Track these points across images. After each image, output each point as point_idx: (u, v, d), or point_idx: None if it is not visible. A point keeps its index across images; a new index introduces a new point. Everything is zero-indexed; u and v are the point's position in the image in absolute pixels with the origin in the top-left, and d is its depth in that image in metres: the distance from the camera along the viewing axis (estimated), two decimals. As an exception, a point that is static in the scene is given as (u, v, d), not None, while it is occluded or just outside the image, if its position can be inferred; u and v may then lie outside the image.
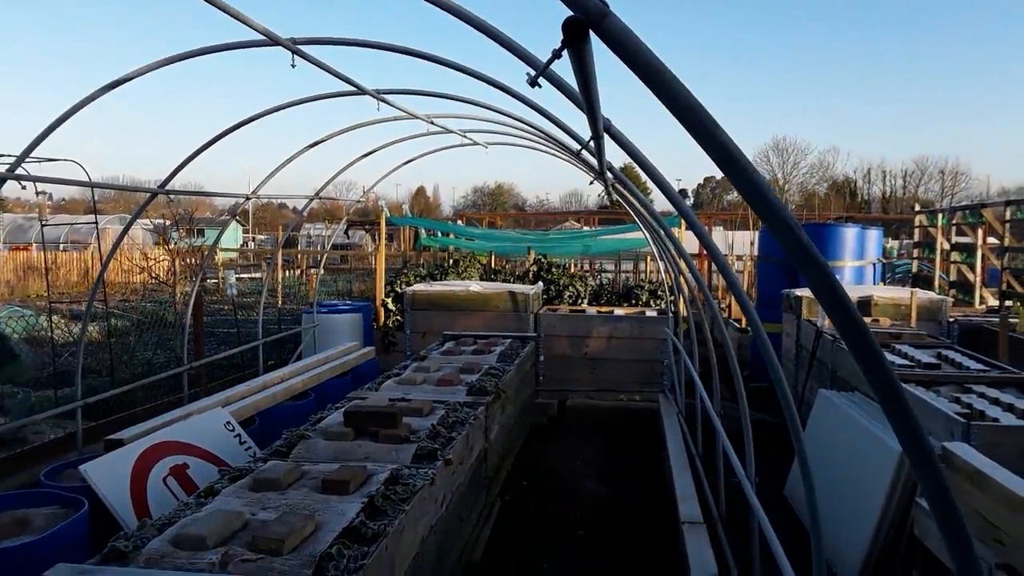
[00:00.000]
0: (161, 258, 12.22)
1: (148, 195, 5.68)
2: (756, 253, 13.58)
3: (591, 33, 0.90)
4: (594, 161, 2.99)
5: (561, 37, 0.98)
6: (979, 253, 13.90)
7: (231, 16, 3.46)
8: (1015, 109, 70.96)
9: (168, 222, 15.70)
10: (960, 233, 15.94)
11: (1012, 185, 53.65)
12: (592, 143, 2.47)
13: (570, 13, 0.91)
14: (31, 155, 4.87)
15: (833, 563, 4.80)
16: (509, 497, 5.88)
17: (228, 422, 4.99)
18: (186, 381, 6.79)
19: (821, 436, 5.74)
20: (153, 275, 11.44)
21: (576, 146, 3.72)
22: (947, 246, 15.68)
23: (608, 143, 2.77)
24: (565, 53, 1.13)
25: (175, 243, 13.66)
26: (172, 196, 5.87)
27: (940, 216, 16.05)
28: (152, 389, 7.67)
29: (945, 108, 73.30)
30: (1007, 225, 12.92)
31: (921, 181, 55.91)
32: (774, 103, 79.00)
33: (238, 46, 3.99)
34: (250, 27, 3.45)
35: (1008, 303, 12.62)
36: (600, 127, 1.94)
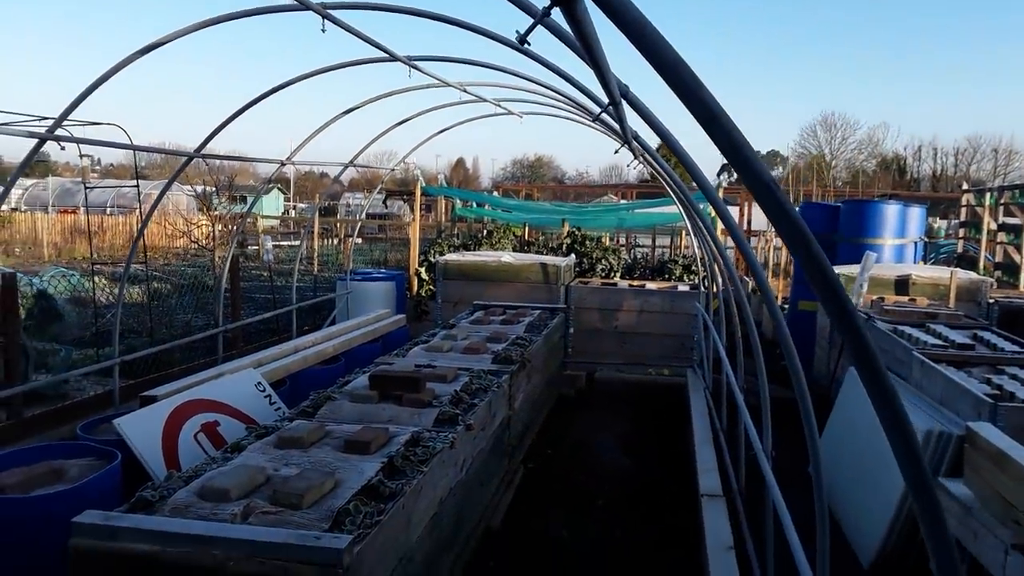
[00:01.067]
0: (202, 223, 12.46)
1: (185, 159, 5.79)
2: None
3: None
4: (617, 126, 2.97)
5: None
6: (1027, 234, 13.50)
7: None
8: (1077, 86, 68.18)
9: (210, 188, 15.99)
10: (1008, 213, 15.49)
11: (1070, 165, 51.74)
12: (611, 108, 2.45)
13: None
14: (74, 118, 5.00)
15: (854, 543, 4.78)
16: (533, 465, 5.95)
17: (259, 383, 5.12)
18: (221, 343, 6.96)
19: (848, 414, 5.68)
20: (194, 240, 11.68)
21: (596, 109, 3.70)
22: (994, 226, 15.25)
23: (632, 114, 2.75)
24: (556, 11, 1.13)
25: (216, 209, 13.91)
26: (208, 161, 5.97)
27: (988, 196, 15.59)
28: (189, 350, 7.88)
29: (1000, 84, 70.70)
30: (1058, 206, 12.51)
31: (973, 160, 54.19)
32: (823, 77, 76.97)
33: (270, 10, 4.03)
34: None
35: (1055, 286, 12.26)
36: (616, 93, 1.92)
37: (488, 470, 4.68)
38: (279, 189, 43.02)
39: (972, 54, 69.90)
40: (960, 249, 17.30)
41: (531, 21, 1.83)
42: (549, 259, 9.31)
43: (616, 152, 5.25)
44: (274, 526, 2.62)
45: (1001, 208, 15.43)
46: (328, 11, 3.81)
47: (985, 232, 15.26)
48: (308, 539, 2.48)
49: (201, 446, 4.27)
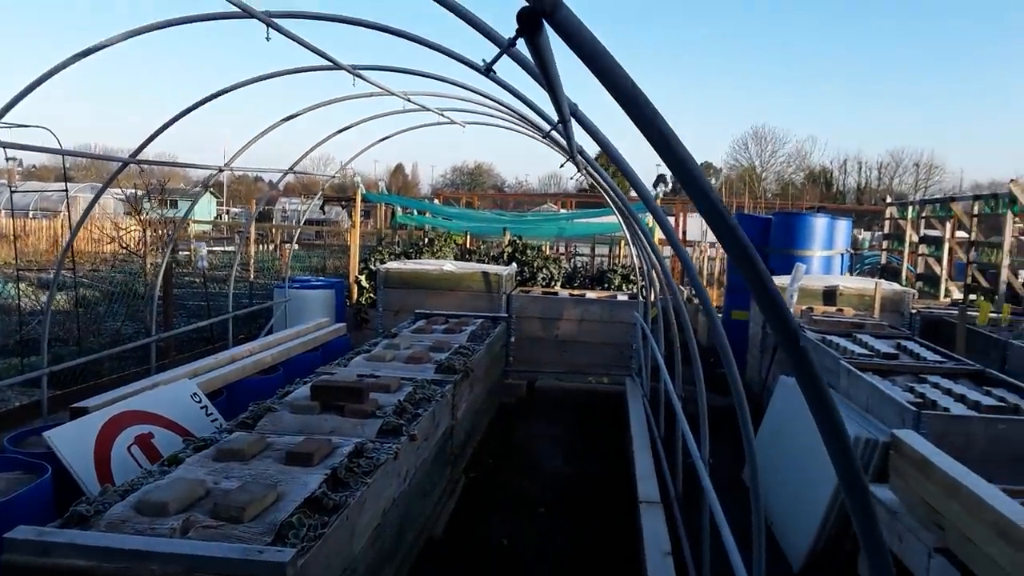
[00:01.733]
0: (132, 228, 12.09)
1: (119, 164, 5.63)
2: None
3: (545, 23, 0.95)
4: (564, 142, 3.03)
5: (516, 27, 1.02)
6: (946, 247, 14.18)
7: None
8: (988, 103, 72.01)
9: (140, 192, 15.51)
10: (929, 226, 16.26)
11: (985, 179, 54.40)
12: (560, 126, 2.52)
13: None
14: (1, 121, 4.82)
15: (784, 547, 4.95)
16: (475, 474, 5.97)
17: (195, 393, 5.00)
18: (154, 352, 6.78)
19: (779, 421, 5.89)
20: (123, 245, 11.32)
21: (547, 127, 3.77)
22: (916, 239, 15.97)
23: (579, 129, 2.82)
24: (520, 42, 1.17)
25: (147, 213, 13.50)
26: (143, 167, 5.82)
27: (911, 209, 16.32)
28: (120, 359, 7.65)
29: (922, 101, 74.14)
30: (975, 220, 13.19)
31: (896, 173, 56.59)
32: (755, 92, 79.35)
33: (213, 17, 3.97)
34: (225, -1, 3.44)
35: (972, 297, 12.90)
36: (566, 111, 1.98)
37: (431, 480, 4.68)
38: (212, 193, 42.00)
39: (896, 71, 73.11)
40: (884, 260, 18.05)
41: (492, 46, 1.89)
42: (491, 268, 9.36)
43: (562, 166, 5.33)
44: (215, 540, 2.58)
45: (923, 221, 16.16)
46: (273, 19, 3.78)
47: (907, 244, 15.96)
48: (250, 553, 2.45)
49: (135, 459, 4.16)
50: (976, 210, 13.19)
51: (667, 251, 14.07)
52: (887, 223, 18.10)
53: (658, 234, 9.39)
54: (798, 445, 5.37)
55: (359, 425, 4.03)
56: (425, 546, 4.50)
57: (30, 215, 29.28)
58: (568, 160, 3.93)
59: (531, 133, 6.74)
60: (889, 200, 19.80)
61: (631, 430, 6.26)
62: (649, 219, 9.31)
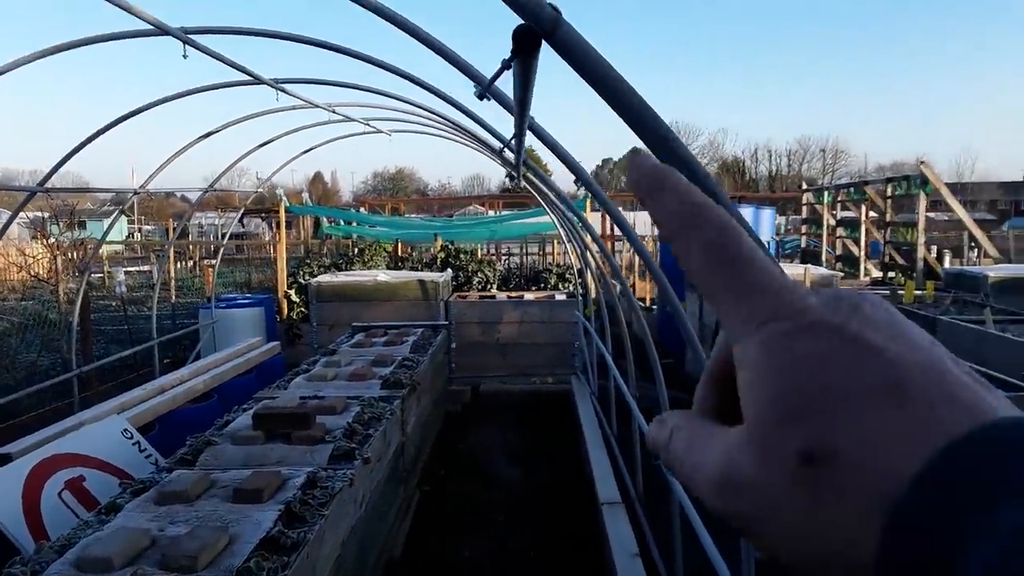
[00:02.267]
0: (40, 255, 11.41)
1: (27, 194, 5.26)
2: (657, 233, 13.94)
3: (542, 43, 0.86)
4: (512, 156, 2.96)
5: (511, 46, 0.92)
6: (863, 228, 14.75)
7: (117, 6, 3.21)
8: (887, 87, 75.59)
9: (47, 215, 14.67)
10: (844, 209, 16.89)
11: (887, 161, 57.26)
12: (514, 141, 2.43)
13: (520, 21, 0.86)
14: None
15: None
16: (428, 487, 5.83)
17: (126, 429, 4.70)
18: (76, 386, 6.37)
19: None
20: (32, 273, 10.67)
21: (497, 144, 3.68)
22: (833, 222, 16.56)
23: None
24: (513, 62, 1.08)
25: (55, 237, 12.78)
26: (52, 196, 5.45)
27: (826, 194, 16.91)
28: (38, 395, 7.18)
29: (826, 88, 77.24)
30: (888, 201, 13.76)
31: (804, 159, 58.80)
32: (665, 88, 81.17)
33: (126, 36, 3.71)
34: (137, 16, 3.21)
35: (891, 275, 13.44)
36: (525, 126, 1.90)
37: (386, 500, 4.53)
38: (123, 212, 40.30)
39: (802, 60, 75.97)
40: (803, 244, 18.66)
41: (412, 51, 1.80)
42: (427, 275, 9.21)
43: (511, 179, 5.25)
44: (168, 595, 2.39)
45: (838, 205, 16.77)
46: (190, 36, 3.56)
47: (825, 228, 16.53)
48: (211, 606, 2.28)
49: (68, 506, 3.87)
50: (889, 192, 13.75)
51: (619, 246, 14.17)
52: (804, 208, 18.72)
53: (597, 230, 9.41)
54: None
55: (308, 452, 3.85)
56: (386, 569, 4.36)
57: (-77, 245, 27.42)
58: (513, 170, 3.85)
59: (464, 140, 6.64)
60: (804, 187, 20.49)
61: (583, 430, 6.24)
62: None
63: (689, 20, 79.74)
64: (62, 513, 3.77)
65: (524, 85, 1.15)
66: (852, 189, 15.86)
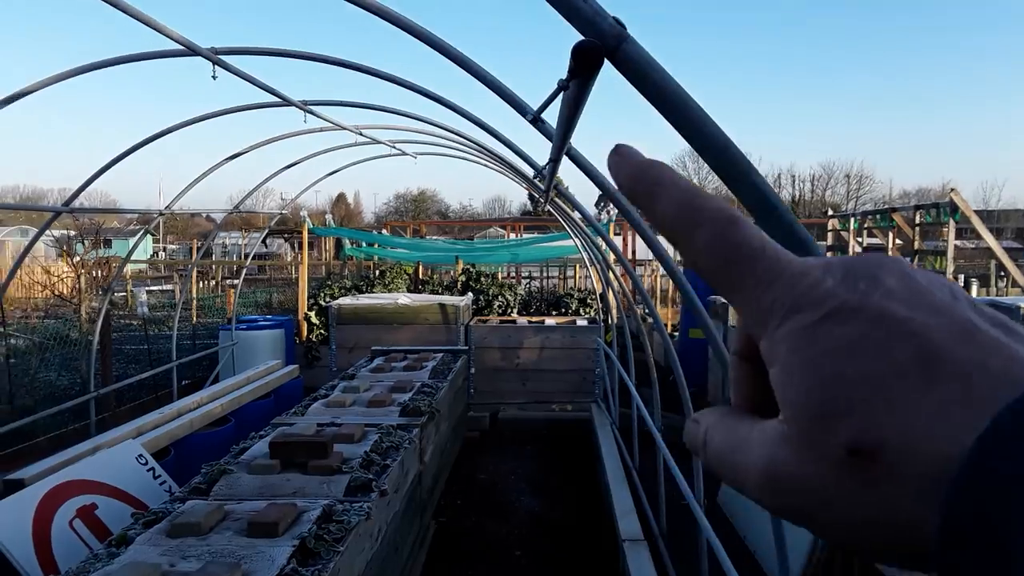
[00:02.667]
0: (65, 274, 11.48)
1: (52, 214, 5.26)
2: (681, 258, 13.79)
3: (604, 61, 0.77)
4: (547, 177, 2.87)
5: (569, 64, 0.82)
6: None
7: (148, 26, 3.18)
8: (914, 113, 75.11)
9: (72, 233, 14.81)
10: (871, 236, 16.62)
11: (912, 187, 56.69)
12: (549, 166, 2.35)
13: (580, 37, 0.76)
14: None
15: (770, 572, 4.82)
16: (444, 518, 5.70)
17: (140, 455, 4.63)
18: (93, 408, 6.33)
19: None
20: (56, 292, 10.72)
21: (528, 170, 3.60)
22: (859, 249, 16.31)
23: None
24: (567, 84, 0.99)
25: (80, 256, 12.88)
26: (77, 216, 5.45)
27: (852, 220, 16.68)
28: (56, 415, 7.15)
29: (851, 113, 76.89)
30: (917, 229, 13.50)
31: (828, 185, 58.35)
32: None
33: (155, 56, 3.70)
34: (168, 36, 3.18)
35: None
36: (564, 151, 1.81)
37: (402, 533, 4.41)
38: (147, 231, 40.78)
39: (825, 83, 75.75)
40: (829, 271, 18.36)
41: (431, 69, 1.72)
42: (447, 299, 9.13)
43: (538, 204, 5.16)
44: (176, 638, 2.29)
45: (864, 231, 16.53)
46: (219, 56, 3.53)
47: (851, 255, 16.27)
48: (219, 652, 2.17)
49: (79, 535, 3.79)
50: (917, 219, 13.50)
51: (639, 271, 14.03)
52: (830, 235, 18.47)
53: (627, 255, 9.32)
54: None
55: (325, 483, 3.75)
56: (400, 606, 4.22)
57: (-49, 261, 27.89)
58: (542, 195, 3.77)
59: (485, 162, 6.58)
60: (830, 212, 20.27)
61: (603, 461, 6.08)
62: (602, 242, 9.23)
63: (707, 40, 79.90)
64: (72, 543, 3.70)
65: (574, 109, 1.05)
66: (879, 216, 15.62)
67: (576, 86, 0.96)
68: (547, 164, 2.39)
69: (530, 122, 1.65)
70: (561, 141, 1.56)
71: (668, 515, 4.90)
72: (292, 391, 7.81)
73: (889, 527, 0.28)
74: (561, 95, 1.03)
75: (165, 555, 2.90)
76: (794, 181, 59.63)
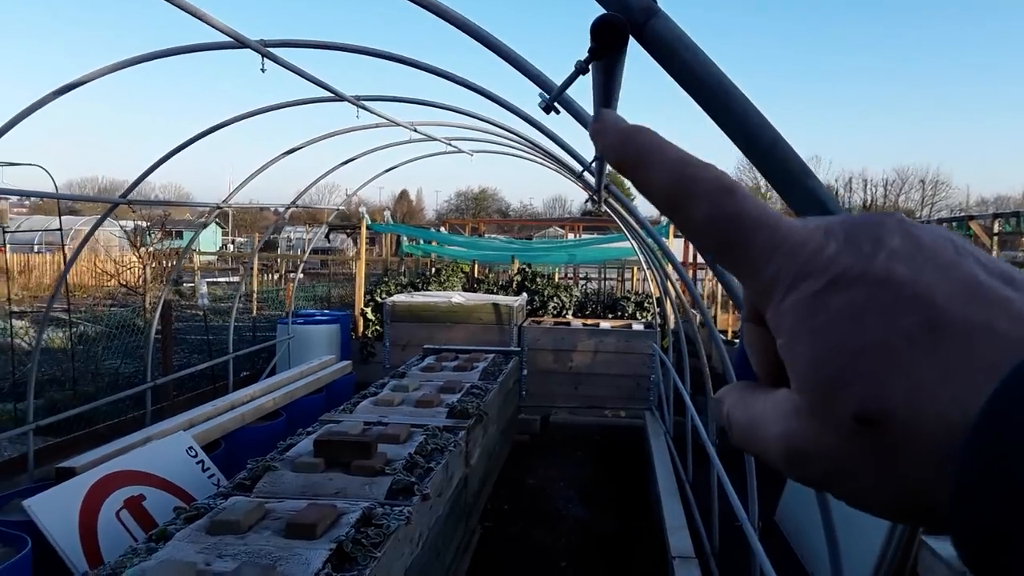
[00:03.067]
0: (132, 264, 11.83)
1: (110, 205, 5.36)
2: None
3: (630, 39, 0.65)
4: (593, 180, 2.75)
5: (589, 44, 0.71)
6: (965, 266, 13.83)
7: (196, 17, 3.17)
8: (993, 117, 71.87)
9: (146, 224, 15.27)
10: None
11: (990, 195, 54.21)
12: (595, 164, 2.22)
13: (602, 11, 0.65)
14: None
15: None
16: (490, 523, 5.61)
17: (190, 447, 4.67)
18: (149, 398, 6.44)
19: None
20: (122, 282, 11.04)
21: (578, 166, 3.48)
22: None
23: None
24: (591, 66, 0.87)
25: (151, 246, 13.25)
26: (133, 207, 5.56)
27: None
28: (117, 403, 7.32)
29: (927, 116, 74.05)
30: (995, 238, 12.87)
31: (902, 190, 56.25)
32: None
33: (203, 48, 3.70)
34: (215, 28, 3.17)
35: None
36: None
37: (445, 538, 4.33)
38: (216, 223, 41.89)
39: (900, 85, 73.16)
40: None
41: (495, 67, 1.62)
42: (501, 299, 9.05)
43: (586, 202, 5.04)
44: (204, 641, 2.24)
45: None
46: (268, 48, 3.51)
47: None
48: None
49: (125, 526, 3.83)
50: (996, 228, 12.87)
51: (699, 274, 13.73)
52: (902, 242, 17.79)
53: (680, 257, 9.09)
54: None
55: (367, 484, 3.70)
56: (440, 613, 4.15)
57: (35, 249, 29.13)
58: (593, 195, 3.65)
59: (545, 162, 6.46)
60: (903, 218, 19.51)
61: (655, 472, 5.90)
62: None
63: (775, 40, 77.96)
64: (118, 533, 3.73)
65: (606, 94, 0.93)
66: (955, 224, 14.94)
67: (600, 68, 0.83)
68: (592, 161, 2.26)
69: (544, 109, 1.52)
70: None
71: (722, 531, 4.70)
72: (344, 387, 7.85)
73: (903, 492, 0.29)
74: (591, 80, 0.90)
75: (202, 553, 2.88)
76: (866, 186, 57.61)
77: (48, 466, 5.01)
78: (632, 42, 0.71)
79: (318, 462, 3.92)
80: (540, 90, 1.65)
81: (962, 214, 19.88)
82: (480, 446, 5.36)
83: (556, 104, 1.47)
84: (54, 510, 3.58)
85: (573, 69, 0.94)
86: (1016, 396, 0.26)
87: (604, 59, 0.75)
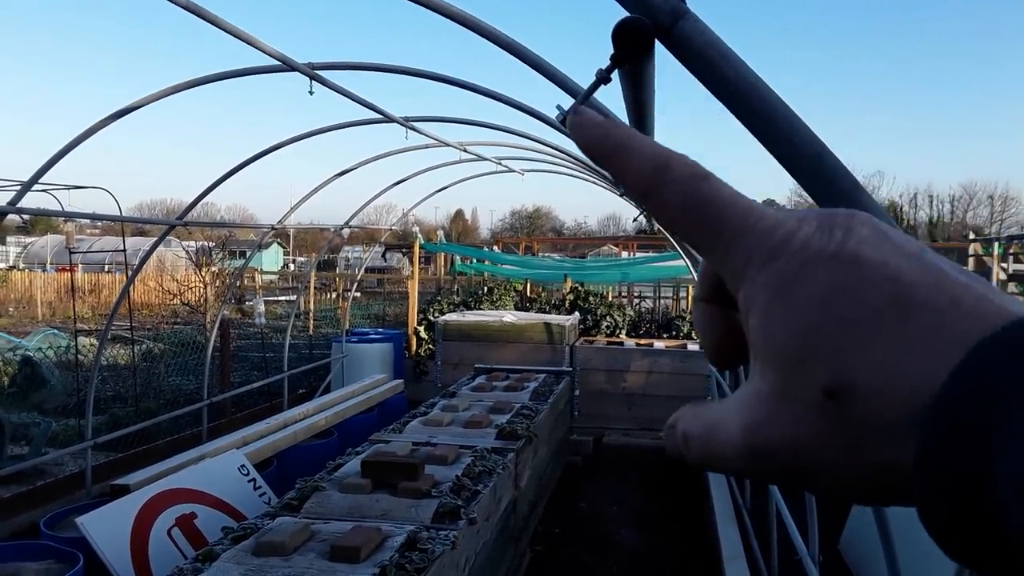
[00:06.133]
0: (195, 283, 12.16)
1: (166, 227, 5.51)
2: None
3: (655, 43, 0.60)
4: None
5: (611, 51, 0.65)
6: (1041, 284, 13.20)
7: (245, 42, 3.22)
8: (1070, 132, 68.92)
9: (211, 244, 15.71)
10: (1017, 262, 15.24)
11: (1066, 211, 51.79)
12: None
13: (625, 15, 0.60)
14: (57, 182, 4.72)
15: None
16: (540, 547, 5.51)
17: (243, 466, 4.72)
18: (206, 415, 6.56)
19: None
20: (184, 301, 11.34)
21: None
22: (1004, 276, 14.98)
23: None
24: (615, 74, 0.81)
25: (215, 265, 13.61)
26: (189, 228, 5.70)
27: (996, 244, 15.37)
28: (177, 419, 7.49)
29: (995, 131, 71.46)
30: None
31: (969, 206, 54.21)
32: (816, 126, 77.77)
33: (253, 72, 3.77)
34: (264, 52, 3.22)
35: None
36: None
37: (492, 562, 4.26)
38: (278, 243, 42.91)
39: (966, 101, 70.83)
40: (969, 299, 17.00)
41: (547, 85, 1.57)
42: (553, 318, 8.97)
43: (635, 220, 4.96)
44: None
45: (1011, 258, 15.20)
46: (316, 71, 3.55)
47: (995, 282, 14.98)
48: None
49: (176, 544, 3.87)
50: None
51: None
52: (971, 260, 17.12)
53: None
54: (901, 518, 4.77)
55: (413, 507, 3.66)
56: (488, 640, 4.07)
57: (104, 268, 30.23)
58: (643, 212, 3.58)
59: (596, 180, 6.40)
60: (972, 236, 18.78)
61: (712, 498, 5.72)
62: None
63: (839, 50, 76.36)
64: (168, 551, 3.77)
65: (637, 102, 0.87)
66: (1028, 240, 14.30)
67: (627, 75, 0.77)
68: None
69: (561, 122, 1.46)
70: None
71: (781, 561, 4.51)
72: (396, 405, 7.87)
73: (872, 469, 0.29)
74: (621, 85, 0.84)
75: (247, 574, 2.87)
76: (932, 202, 55.79)
77: (107, 482, 5.14)
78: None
79: (365, 483, 3.90)
80: (559, 104, 1.60)
81: (1037, 230, 19.02)
82: (530, 468, 5.28)
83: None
84: (106, 527, 3.64)
85: (594, 77, 0.88)
86: (984, 361, 0.26)
87: (629, 66, 0.70)
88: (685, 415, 0.35)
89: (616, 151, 0.34)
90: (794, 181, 0.71)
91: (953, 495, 0.25)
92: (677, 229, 0.34)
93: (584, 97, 1.17)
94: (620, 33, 0.62)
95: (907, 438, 0.27)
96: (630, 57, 0.63)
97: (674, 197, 0.33)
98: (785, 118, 0.57)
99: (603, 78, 0.85)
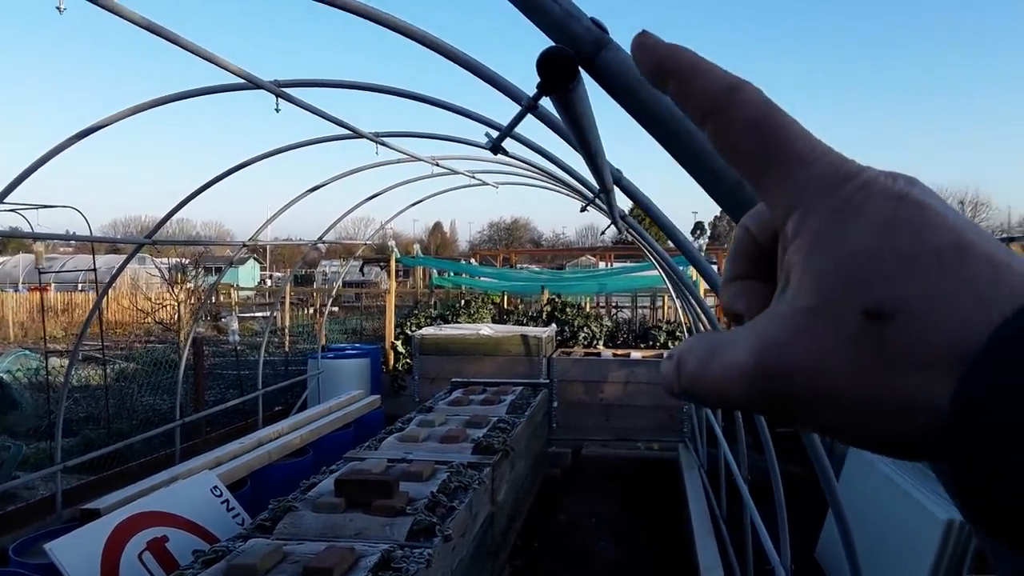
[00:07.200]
0: (167, 301, 12.02)
1: (135, 245, 5.45)
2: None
3: (580, 72, 0.61)
4: (606, 208, 2.70)
5: (537, 80, 0.67)
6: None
7: (209, 61, 3.21)
8: (1035, 137, 70.37)
9: (185, 261, 15.55)
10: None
11: (1034, 215, 52.77)
12: (601, 196, 2.17)
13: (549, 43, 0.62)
14: (26, 202, 4.66)
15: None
16: (519, 562, 5.49)
17: (215, 487, 4.66)
18: (179, 436, 6.47)
19: (853, 496, 5.32)
20: (157, 320, 11.21)
21: (588, 192, 3.45)
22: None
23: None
24: (544, 101, 0.82)
25: (190, 282, 13.46)
26: (158, 247, 5.63)
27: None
28: (150, 440, 7.38)
29: (964, 134, 72.78)
30: (1039, 260, 12.51)
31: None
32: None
33: (218, 90, 3.75)
34: (227, 70, 3.21)
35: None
36: (608, 181, 1.63)
37: (470, 578, 4.23)
38: (255, 259, 42.57)
39: (934, 108, 72.05)
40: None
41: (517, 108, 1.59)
42: (530, 330, 8.98)
43: (602, 233, 4.98)
44: None
45: None
46: (283, 89, 3.54)
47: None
48: None
49: (147, 568, 3.81)
50: (1041, 248, 12.50)
51: (711, 301, 13.50)
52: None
53: (704, 284, 8.95)
54: (878, 524, 4.81)
55: (387, 525, 3.64)
56: (465, 658, 4.03)
57: (78, 287, 29.78)
58: (611, 224, 3.61)
59: (568, 194, 6.43)
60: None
61: (689, 508, 5.74)
62: (692, 271, 8.89)
63: (806, 56, 77.45)
64: (139, 576, 3.71)
65: (576, 125, 0.89)
66: None
67: (558, 104, 0.79)
68: (598, 193, 2.21)
69: (491, 150, 1.48)
70: (592, 167, 1.38)
71: (757, 570, 4.53)
72: (373, 421, 7.82)
73: (899, 404, 0.28)
74: (562, 113, 0.85)
75: (216, 599, 2.83)
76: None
77: (78, 506, 5.05)
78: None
79: (339, 502, 3.87)
80: (488, 129, 1.63)
81: (1004, 235, 19.37)
82: (507, 482, 5.26)
83: (503, 145, 1.42)
84: (76, 552, 3.58)
85: (522, 106, 0.90)
86: None
87: (555, 94, 0.71)
88: (687, 342, 0.35)
89: (685, 67, 0.34)
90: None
91: (988, 441, 0.25)
92: (736, 151, 0.33)
93: (512, 125, 1.19)
94: (544, 64, 0.64)
95: (944, 374, 0.27)
96: (556, 87, 0.65)
97: (744, 115, 0.33)
98: (703, 146, 0.59)
99: (531, 106, 0.87)
